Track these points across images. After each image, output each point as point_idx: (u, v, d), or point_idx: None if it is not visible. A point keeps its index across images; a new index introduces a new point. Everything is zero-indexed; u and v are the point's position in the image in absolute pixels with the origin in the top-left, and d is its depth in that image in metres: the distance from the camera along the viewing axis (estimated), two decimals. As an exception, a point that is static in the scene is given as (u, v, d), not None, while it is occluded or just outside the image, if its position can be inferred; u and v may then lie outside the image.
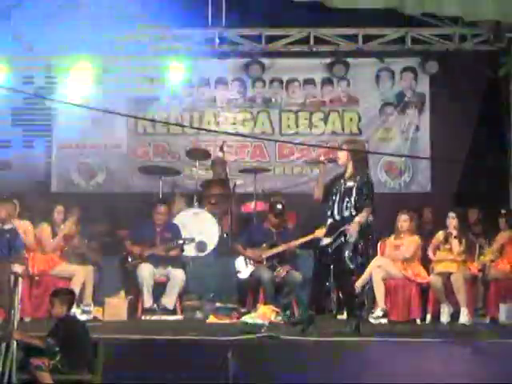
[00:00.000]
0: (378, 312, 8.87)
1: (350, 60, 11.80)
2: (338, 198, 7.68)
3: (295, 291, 9.18)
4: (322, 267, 7.84)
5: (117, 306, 9.06)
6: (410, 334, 7.74)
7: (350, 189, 7.65)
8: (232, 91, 12.12)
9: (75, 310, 8.27)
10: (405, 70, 12.06)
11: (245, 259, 9.43)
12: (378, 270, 9.01)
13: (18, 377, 6.15)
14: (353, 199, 7.61)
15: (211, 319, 8.87)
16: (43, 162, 11.76)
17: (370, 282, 9.02)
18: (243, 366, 6.73)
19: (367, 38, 11.40)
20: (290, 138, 12.01)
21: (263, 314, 8.42)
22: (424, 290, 9.12)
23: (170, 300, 9.15)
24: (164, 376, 6.74)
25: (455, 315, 8.83)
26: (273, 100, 12.15)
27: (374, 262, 9.09)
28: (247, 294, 9.33)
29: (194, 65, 11.86)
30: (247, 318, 8.32)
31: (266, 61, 11.83)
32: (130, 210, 10.87)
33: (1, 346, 6.16)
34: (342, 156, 7.84)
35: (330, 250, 7.64)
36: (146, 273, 9.14)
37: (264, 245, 9.44)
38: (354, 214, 7.58)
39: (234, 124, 12.08)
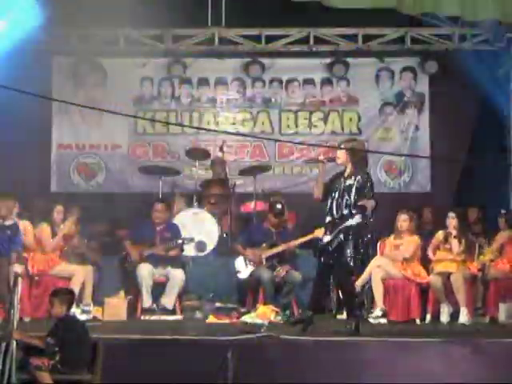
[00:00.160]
0: (378, 312, 8.87)
1: (349, 60, 11.82)
2: (337, 196, 7.68)
3: (295, 291, 9.18)
4: (324, 266, 7.83)
5: (116, 306, 9.05)
6: (410, 334, 7.73)
7: (350, 186, 7.65)
8: (232, 91, 12.14)
9: (75, 310, 8.27)
10: (404, 69, 12.08)
11: (244, 259, 9.42)
12: (378, 270, 9.01)
13: (17, 376, 6.15)
14: (352, 197, 7.61)
15: (211, 319, 8.86)
16: (43, 162, 11.76)
17: (369, 281, 9.03)
18: (243, 366, 6.73)
19: (367, 38, 11.40)
20: (289, 137, 12.02)
21: (263, 314, 8.42)
22: (424, 289, 9.12)
23: (169, 300, 9.15)
24: (164, 376, 6.74)
25: (455, 315, 8.83)
26: (272, 100, 12.16)
27: (373, 262, 9.09)
28: (247, 293, 9.33)
29: (193, 65, 11.90)
30: (247, 318, 8.33)
31: (265, 61, 11.84)
32: (130, 210, 10.87)
33: (0, 346, 6.17)
34: (342, 156, 7.85)
35: (330, 249, 7.64)
36: (146, 273, 9.14)
37: (264, 245, 9.44)
38: (353, 211, 7.58)
39: (234, 124, 12.09)
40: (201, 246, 10.13)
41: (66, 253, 9.29)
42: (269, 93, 12.14)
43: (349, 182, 7.68)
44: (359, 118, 12.09)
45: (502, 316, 8.75)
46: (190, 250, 9.96)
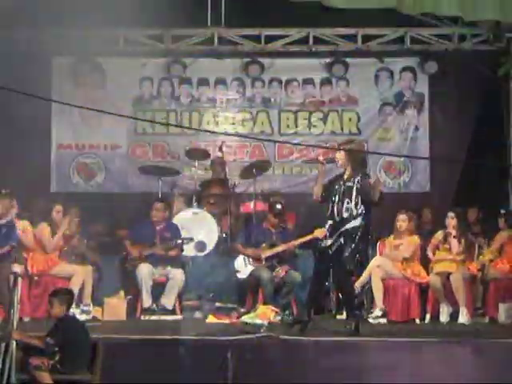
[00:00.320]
0: (377, 312, 8.88)
1: (349, 60, 11.81)
2: (337, 199, 7.68)
3: (294, 291, 9.18)
4: (321, 267, 7.84)
5: (116, 306, 9.06)
6: (410, 334, 7.73)
7: (350, 189, 7.65)
8: (231, 91, 12.13)
9: (74, 310, 8.27)
10: (404, 69, 12.07)
11: (244, 259, 9.42)
12: (378, 270, 9.01)
13: (17, 377, 6.15)
14: (353, 200, 7.61)
15: (211, 319, 8.86)
16: (43, 162, 11.75)
17: (369, 281, 9.04)
18: (243, 366, 6.73)
19: (366, 38, 11.41)
20: (289, 137, 12.02)
21: (263, 314, 8.42)
22: (423, 289, 9.12)
23: (169, 300, 9.15)
24: (164, 376, 6.75)
25: (454, 315, 8.83)
26: (272, 100, 12.15)
27: (373, 262, 9.11)
28: (246, 293, 9.33)
29: (193, 65, 11.90)
30: (247, 318, 8.32)
31: (265, 61, 11.84)
32: (130, 210, 10.88)
33: (0, 346, 6.17)
34: (341, 157, 7.85)
35: (330, 252, 7.64)
36: (146, 273, 9.14)
37: (263, 245, 9.44)
38: (354, 214, 7.58)
39: (234, 124, 12.09)
40: (200, 245, 10.13)
41: (65, 253, 9.30)
42: (268, 93, 12.14)
43: (348, 184, 7.68)
44: (359, 118, 12.08)
45: (501, 316, 8.75)
46: (189, 250, 9.95)
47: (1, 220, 8.65)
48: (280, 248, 9.38)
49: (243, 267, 9.40)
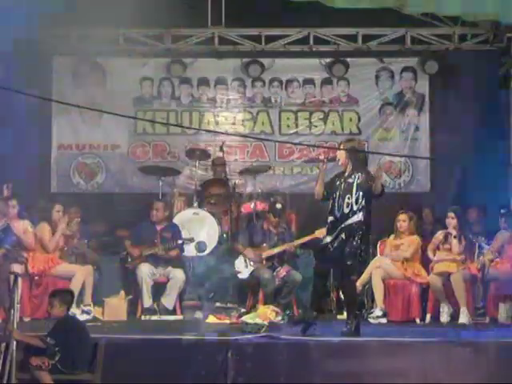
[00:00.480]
0: (378, 312, 8.88)
1: (349, 60, 11.80)
2: (338, 196, 7.68)
3: (295, 291, 9.18)
4: (323, 266, 7.83)
5: (116, 306, 9.07)
6: (410, 334, 7.73)
7: (351, 185, 7.65)
8: (232, 91, 12.12)
9: (75, 310, 8.28)
10: (404, 69, 12.06)
11: (244, 259, 9.42)
12: (378, 270, 9.02)
13: (17, 377, 6.16)
14: (353, 195, 7.61)
15: (211, 319, 8.86)
16: (43, 162, 11.75)
17: (369, 281, 9.03)
18: (243, 366, 6.73)
19: (367, 38, 11.40)
20: (289, 137, 12.01)
21: (263, 314, 8.41)
22: (424, 289, 9.12)
23: (169, 300, 9.16)
24: (164, 376, 6.75)
25: (455, 315, 8.83)
26: (272, 100, 12.14)
27: (373, 262, 9.11)
28: (247, 294, 9.33)
29: (193, 65, 11.90)
30: (247, 318, 8.32)
31: (265, 61, 11.82)
32: (130, 210, 10.85)
33: (0, 346, 6.17)
34: (342, 156, 7.85)
35: (331, 249, 7.63)
36: (146, 273, 9.15)
37: (264, 245, 9.44)
38: (354, 209, 7.58)
39: (234, 124, 12.08)
40: (201, 246, 10.13)
41: (65, 253, 9.30)
42: (269, 93, 12.12)
43: (349, 180, 7.69)
44: (359, 118, 12.07)
45: (501, 316, 8.75)
46: (190, 250, 9.96)
47: None
48: (280, 248, 9.38)
49: (243, 267, 9.40)
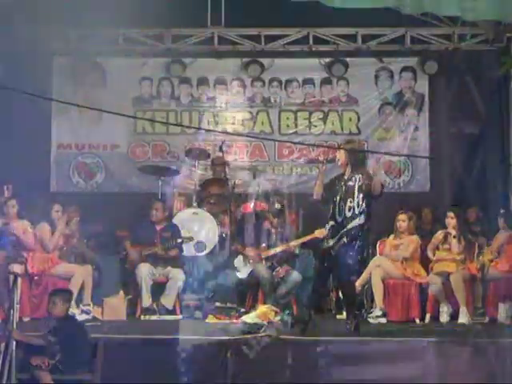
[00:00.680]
0: (377, 312, 8.89)
1: (348, 60, 11.80)
2: (338, 200, 7.68)
3: (294, 291, 9.18)
4: (324, 268, 7.83)
5: (116, 306, 9.06)
6: (410, 334, 7.73)
7: (351, 188, 7.65)
8: (231, 91, 12.12)
9: (74, 310, 8.27)
10: (404, 69, 12.05)
11: (244, 259, 9.43)
12: (378, 270, 9.02)
13: (17, 377, 6.15)
14: (355, 198, 7.61)
15: (210, 319, 8.86)
16: (43, 162, 11.75)
17: (369, 281, 9.04)
18: (243, 366, 6.73)
19: (366, 38, 11.41)
20: (289, 137, 12.00)
21: (262, 314, 8.41)
22: (423, 289, 9.12)
23: (169, 300, 9.15)
24: (163, 376, 6.75)
25: (454, 315, 8.83)
26: (272, 100, 12.14)
27: (373, 262, 9.11)
28: (246, 293, 9.33)
29: (193, 65, 11.90)
30: (247, 318, 8.32)
31: (265, 60, 11.83)
32: (130, 210, 10.85)
33: (0, 346, 6.17)
34: (341, 157, 7.86)
35: (332, 253, 7.64)
36: (145, 273, 9.15)
37: (264, 245, 9.44)
38: (356, 212, 7.59)
39: (234, 124, 12.08)
40: (200, 245, 10.12)
41: (65, 253, 9.30)
42: (268, 93, 12.12)
43: (349, 183, 7.69)
44: (358, 118, 12.07)
45: (501, 316, 8.75)
46: (189, 250, 9.96)
47: None
48: (280, 248, 9.38)
49: (243, 267, 9.40)
